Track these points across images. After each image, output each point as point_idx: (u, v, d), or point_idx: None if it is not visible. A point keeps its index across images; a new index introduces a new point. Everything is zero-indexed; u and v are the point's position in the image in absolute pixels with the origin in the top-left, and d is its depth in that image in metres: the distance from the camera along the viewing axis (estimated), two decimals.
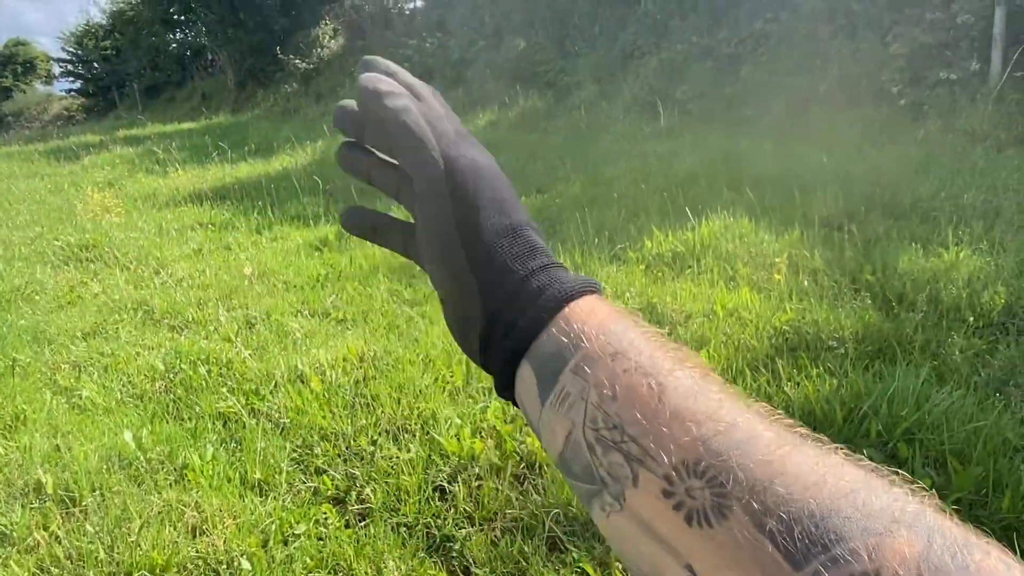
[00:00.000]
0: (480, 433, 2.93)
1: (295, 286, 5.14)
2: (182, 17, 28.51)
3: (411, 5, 20.62)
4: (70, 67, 36.02)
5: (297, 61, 21.16)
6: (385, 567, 2.28)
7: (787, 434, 0.36)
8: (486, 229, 0.47)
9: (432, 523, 2.50)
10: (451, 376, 3.39)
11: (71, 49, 35.09)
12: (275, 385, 3.51)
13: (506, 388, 0.47)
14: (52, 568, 2.34)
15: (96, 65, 35.11)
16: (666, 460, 0.35)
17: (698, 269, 4.48)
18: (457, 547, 2.37)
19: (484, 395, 3.25)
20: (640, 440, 0.37)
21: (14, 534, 2.51)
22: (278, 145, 12.69)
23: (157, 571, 2.25)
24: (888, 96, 8.07)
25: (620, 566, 2.18)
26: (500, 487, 2.58)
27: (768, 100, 9.23)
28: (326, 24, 22.54)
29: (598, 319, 0.43)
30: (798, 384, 3.05)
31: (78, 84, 36.64)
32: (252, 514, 2.54)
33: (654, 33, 12.00)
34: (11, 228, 8.04)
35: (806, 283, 4.09)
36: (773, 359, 3.29)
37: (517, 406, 0.46)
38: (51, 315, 4.94)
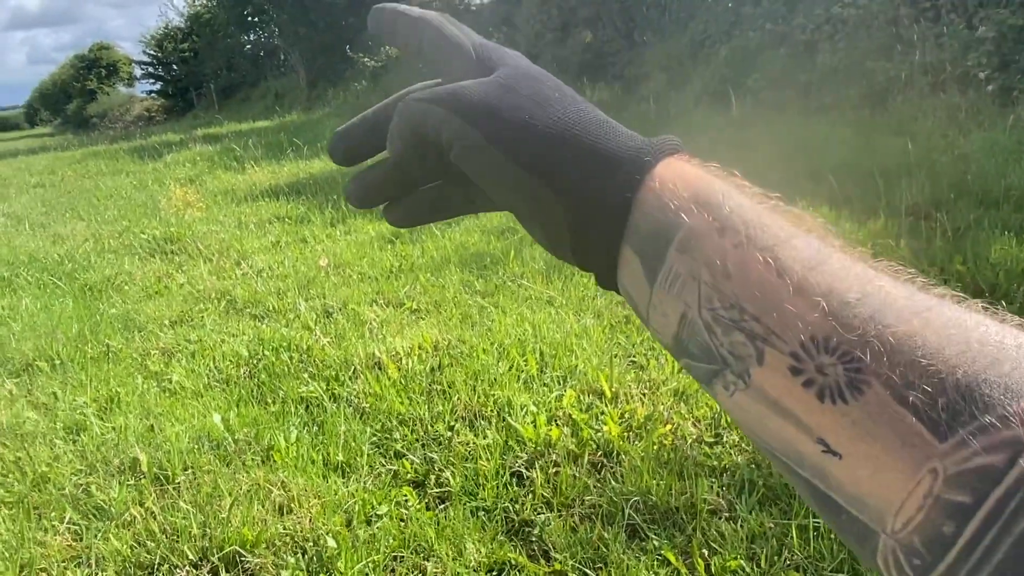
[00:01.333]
0: (556, 421, 2.93)
1: (369, 277, 5.24)
2: (255, 18, 29.34)
3: (478, 1, 20.74)
4: (150, 69, 37.47)
5: (366, 59, 21.52)
6: (465, 549, 2.31)
7: (923, 297, 0.33)
8: (544, 118, 0.42)
9: (510, 508, 2.51)
10: (525, 364, 3.40)
11: (151, 52, 36.49)
12: (354, 372, 3.58)
13: (608, 279, 0.43)
14: (148, 542, 2.45)
15: (175, 67, 36.41)
16: (792, 337, 0.33)
17: None
18: (536, 532, 2.38)
19: (559, 383, 3.25)
20: (762, 318, 0.34)
21: (112, 509, 2.64)
22: None
23: (248, 547, 2.33)
24: (975, 82, 7.71)
25: (703, 555, 2.16)
26: (578, 474, 2.58)
27: (846, 87, 8.93)
28: None
29: (693, 186, 0.39)
30: None
31: (158, 86, 38.08)
32: (335, 494, 2.60)
33: (725, 21, 11.75)
34: (100, 222, 8.42)
35: None
36: None
37: (621, 294, 0.43)
38: (140, 304, 5.16)
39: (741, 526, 2.22)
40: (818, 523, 2.17)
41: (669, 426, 2.76)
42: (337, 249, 6.05)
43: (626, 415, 2.89)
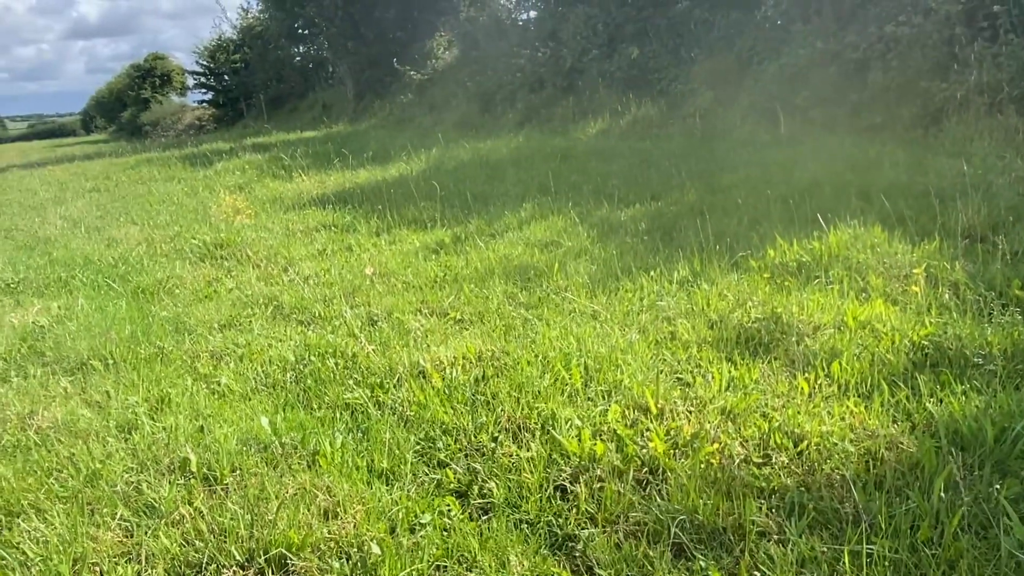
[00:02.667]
0: (600, 435, 2.91)
1: (414, 286, 5.28)
2: (306, 31, 29.90)
3: (525, 16, 20.87)
4: (202, 79, 38.34)
5: (412, 72, 21.77)
6: (509, 562, 2.30)
7: None
8: None
9: (554, 521, 2.50)
10: (569, 378, 3.39)
11: (204, 63, 37.35)
12: (398, 380, 3.61)
13: None
14: (196, 541, 2.48)
15: (226, 77, 37.21)
16: None
17: (826, 279, 4.31)
18: (580, 547, 2.36)
19: (603, 398, 3.23)
20: None
21: (162, 507, 2.68)
22: (394, 152, 13.07)
23: (293, 549, 2.35)
24: None
25: None
26: (622, 490, 2.56)
27: (899, 107, 8.78)
28: (441, 36, 23.11)
29: None
30: (941, 401, 2.88)
31: (209, 95, 38.94)
32: (379, 501, 2.62)
33: (774, 38, 11.65)
34: (153, 227, 8.63)
35: (947, 296, 3.86)
36: (912, 374, 3.12)
37: None
38: (190, 307, 5.26)
39: (791, 550, 2.17)
40: (872, 549, 2.11)
41: (716, 445, 2.72)
42: (382, 258, 6.11)
43: (672, 432, 2.86)
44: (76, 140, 51.42)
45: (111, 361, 4.26)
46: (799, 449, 2.68)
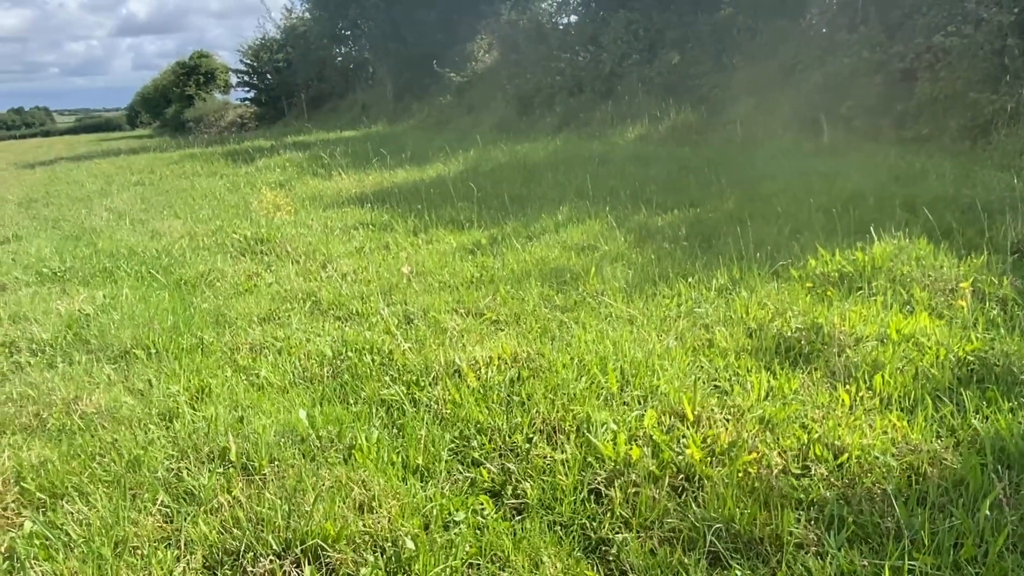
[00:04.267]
0: (636, 440, 2.89)
1: (450, 286, 5.30)
2: (348, 32, 30.22)
3: (565, 20, 20.86)
4: (245, 78, 38.93)
5: (452, 74, 21.87)
6: (542, 563, 2.29)
7: None
8: None
9: (588, 524, 2.49)
10: (605, 381, 3.37)
11: (247, 61, 37.92)
12: (434, 378, 3.62)
13: None
14: (234, 529, 2.52)
15: (269, 76, 37.74)
16: None
17: (869, 291, 4.24)
18: (614, 551, 2.35)
19: (639, 403, 3.21)
20: None
21: (201, 495, 2.73)
22: (432, 153, 13.15)
23: (329, 541, 2.38)
24: None
25: None
26: (657, 495, 2.54)
27: (946, 118, 8.62)
28: (481, 39, 23.20)
29: None
30: (987, 418, 2.81)
31: (252, 93, 39.53)
32: (414, 497, 2.63)
33: (819, 46, 11.50)
34: (195, 221, 8.78)
35: (994, 312, 3.77)
36: (957, 390, 3.06)
37: None
38: (231, 300, 5.34)
39: (830, 563, 2.14)
40: (913, 565, 2.07)
41: (754, 454, 2.69)
42: (419, 257, 6.15)
43: (709, 440, 2.83)
44: (121, 135, 52.54)
45: (153, 350, 4.34)
46: (839, 461, 2.64)
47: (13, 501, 2.83)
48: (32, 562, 2.39)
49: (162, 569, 2.31)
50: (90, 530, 2.54)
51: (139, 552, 2.42)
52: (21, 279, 6.34)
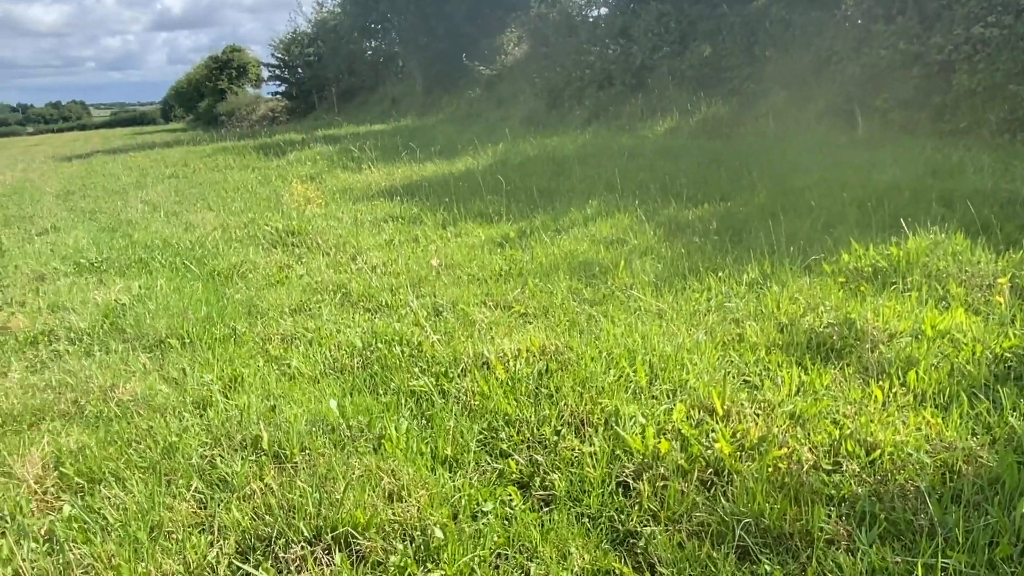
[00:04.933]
0: (664, 434, 2.88)
1: (479, 279, 5.32)
2: (378, 26, 30.32)
3: (595, 12, 20.73)
4: (277, 72, 39.28)
5: (481, 68, 21.87)
6: (570, 554, 2.30)
7: None
8: None
9: (616, 517, 2.49)
10: (634, 375, 3.37)
11: (279, 55, 38.25)
12: (462, 370, 3.64)
13: None
14: (266, 516, 2.56)
15: (300, 70, 38.03)
16: None
17: (904, 286, 4.17)
18: (642, 544, 2.35)
19: (668, 397, 3.20)
20: None
21: (234, 482, 2.78)
22: (461, 147, 13.18)
23: (359, 529, 2.40)
24: None
25: None
26: (686, 489, 2.53)
27: (985, 110, 8.43)
28: (511, 32, 23.16)
29: None
30: None
31: (283, 87, 39.89)
32: (443, 487, 2.65)
33: (854, 38, 11.29)
34: (228, 213, 8.90)
35: None
36: (994, 387, 3.00)
37: None
38: (263, 291, 5.42)
39: (861, 559, 2.12)
40: (947, 563, 2.05)
41: (784, 449, 2.66)
42: (448, 250, 6.17)
43: (738, 434, 2.81)
44: (156, 128, 53.33)
45: (187, 340, 4.42)
46: (871, 458, 2.61)
47: (52, 485, 2.90)
48: (71, 544, 2.45)
49: (196, 554, 2.35)
50: (127, 515, 2.59)
51: (174, 537, 2.46)
52: (60, 269, 6.49)
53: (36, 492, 2.82)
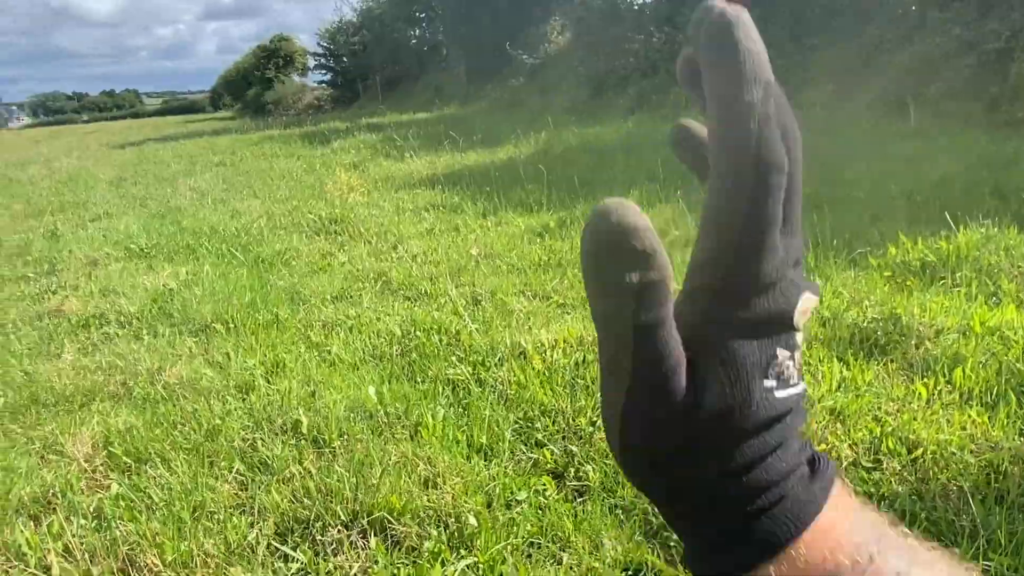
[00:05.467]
0: None
1: (518, 268, 5.33)
2: (422, 15, 30.51)
3: (640, 0, 20.54)
4: (322, 60, 39.77)
5: (525, 56, 21.84)
6: (603, 545, 2.30)
7: None
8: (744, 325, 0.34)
9: (649, 510, 2.48)
10: None
11: (324, 44, 38.71)
12: (499, 359, 3.66)
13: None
14: (305, 499, 2.61)
15: (345, 59, 38.43)
16: None
17: (953, 281, 4.07)
18: (675, 537, 2.34)
19: None
20: None
21: (275, 465, 2.84)
22: (503, 136, 13.17)
23: (395, 514, 2.44)
24: None
25: None
26: None
27: None
28: (555, 20, 23.06)
29: (847, 546, 0.32)
30: None
31: (328, 76, 40.37)
32: (477, 475, 2.67)
33: (907, 25, 11.01)
34: (273, 201, 9.05)
35: None
36: None
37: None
38: (305, 278, 5.50)
39: None
40: (988, 565, 2.00)
41: (823, 446, 2.63)
42: (488, 239, 6.19)
43: None
44: (205, 116, 54.37)
45: (232, 325, 4.51)
46: (913, 456, 2.56)
47: (101, 464, 3.00)
48: (118, 522, 2.53)
49: (237, 534, 2.41)
50: (171, 494, 2.67)
51: (216, 517, 2.53)
52: (111, 254, 6.67)
53: (86, 470, 2.92)
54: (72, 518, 2.57)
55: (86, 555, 2.35)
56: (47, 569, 2.30)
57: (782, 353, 0.35)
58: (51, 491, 2.75)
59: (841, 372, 3.18)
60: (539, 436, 2.97)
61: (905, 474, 2.48)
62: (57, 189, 12.16)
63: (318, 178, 10.61)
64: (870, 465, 2.55)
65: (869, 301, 3.90)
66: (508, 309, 4.42)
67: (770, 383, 0.34)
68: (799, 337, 0.36)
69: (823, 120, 10.50)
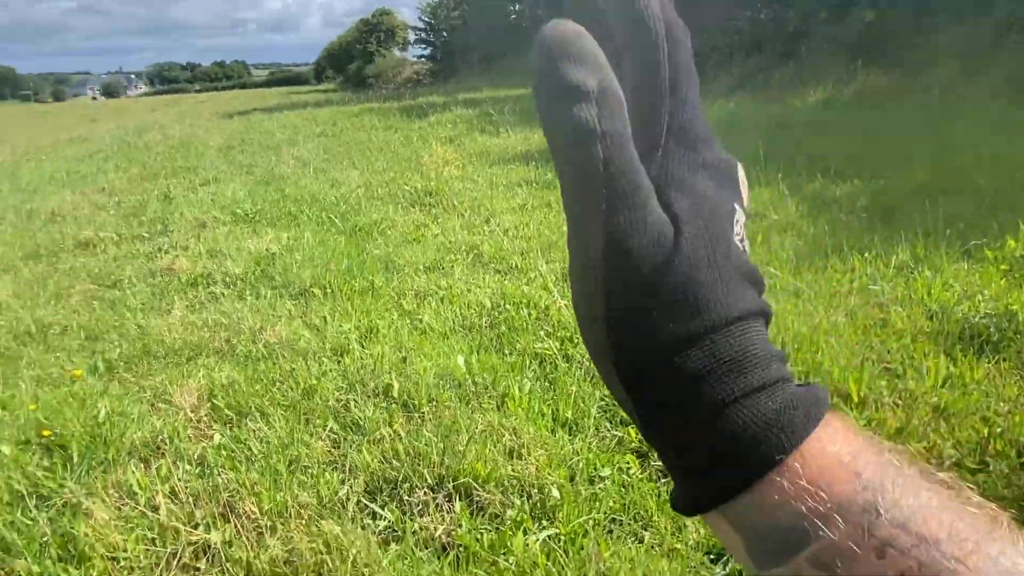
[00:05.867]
0: None
1: None
2: None
3: None
4: (423, 35, 40.26)
5: None
6: (685, 527, 2.28)
7: None
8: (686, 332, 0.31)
9: None
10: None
11: (425, 19, 39.16)
12: None
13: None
14: (394, 460, 2.69)
15: (444, 34, 38.77)
16: None
17: None
18: None
19: (800, 378, 3.08)
20: None
21: (366, 426, 2.93)
22: None
23: (479, 481, 2.49)
24: None
25: None
26: None
27: None
28: None
29: (840, 483, 0.29)
30: None
31: (428, 51, 40.86)
32: (561, 449, 2.69)
33: None
34: (371, 172, 9.26)
35: None
36: None
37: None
38: (399, 248, 5.62)
39: None
40: None
41: (924, 443, 2.51)
42: None
43: (874, 423, 2.68)
44: (308, 88, 55.98)
45: (329, 290, 4.67)
46: (1023, 460, 2.41)
47: (205, 415, 3.17)
48: (219, 470, 2.68)
49: (328, 489, 2.51)
50: (268, 447, 2.80)
51: (310, 472, 2.64)
52: (219, 218, 6.99)
53: (191, 420, 3.10)
54: (178, 463, 2.73)
55: (190, 498, 2.50)
56: (155, 508, 2.45)
57: (739, 215, 0.34)
58: (160, 437, 2.93)
59: (948, 368, 3.02)
60: (625, 415, 2.95)
61: (1013, 478, 2.35)
62: (170, 154, 12.81)
63: (414, 151, 10.78)
64: (975, 467, 2.43)
65: (982, 296, 3.68)
66: None
67: (737, 238, 0.33)
68: (743, 215, 0.35)
69: (943, 103, 9.93)
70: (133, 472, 2.65)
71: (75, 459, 2.78)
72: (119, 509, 2.48)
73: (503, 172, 8.54)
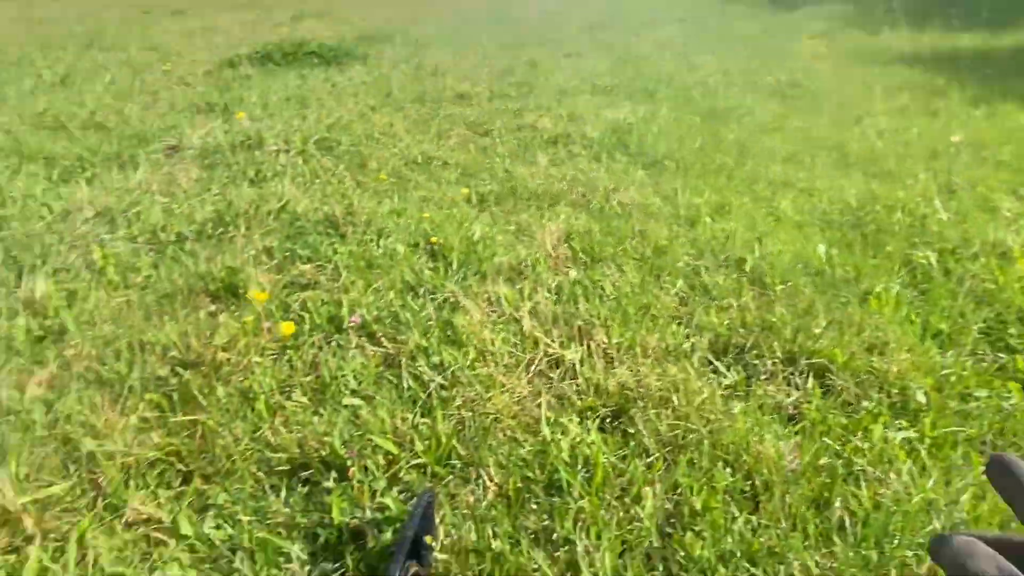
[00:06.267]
0: None
1: (1008, 165, 4.54)
2: None
3: None
4: None
5: None
6: None
7: None
8: None
9: None
10: None
11: None
12: (974, 253, 3.22)
13: None
14: (740, 328, 2.65)
15: None
16: None
17: None
18: None
19: None
20: None
21: (714, 292, 2.92)
22: (1019, 17, 10.96)
23: (834, 366, 2.37)
24: None
25: None
26: None
27: None
28: None
29: None
30: None
31: None
32: (930, 359, 2.45)
33: None
34: (729, 59, 8.85)
35: None
36: None
37: None
38: (754, 136, 5.37)
39: None
40: None
41: None
42: (973, 128, 5.34)
43: None
44: None
45: (681, 165, 4.63)
46: None
47: (562, 255, 3.38)
48: (574, 299, 2.86)
49: (675, 339, 2.57)
50: (619, 291, 2.92)
51: (657, 320, 2.72)
52: (578, 88, 7.21)
53: (551, 256, 3.32)
54: (538, 289, 2.97)
55: (548, 318, 2.71)
56: (517, 320, 2.71)
57: None
58: (523, 264, 3.20)
59: None
60: (1012, 342, 2.59)
61: None
62: (537, 28, 13.36)
63: (779, 44, 10.06)
64: None
65: None
66: (991, 205, 3.83)
67: None
68: None
69: None
70: (501, 286, 2.94)
71: (454, 266, 3.15)
72: (488, 315, 2.78)
73: (881, 72, 7.65)
